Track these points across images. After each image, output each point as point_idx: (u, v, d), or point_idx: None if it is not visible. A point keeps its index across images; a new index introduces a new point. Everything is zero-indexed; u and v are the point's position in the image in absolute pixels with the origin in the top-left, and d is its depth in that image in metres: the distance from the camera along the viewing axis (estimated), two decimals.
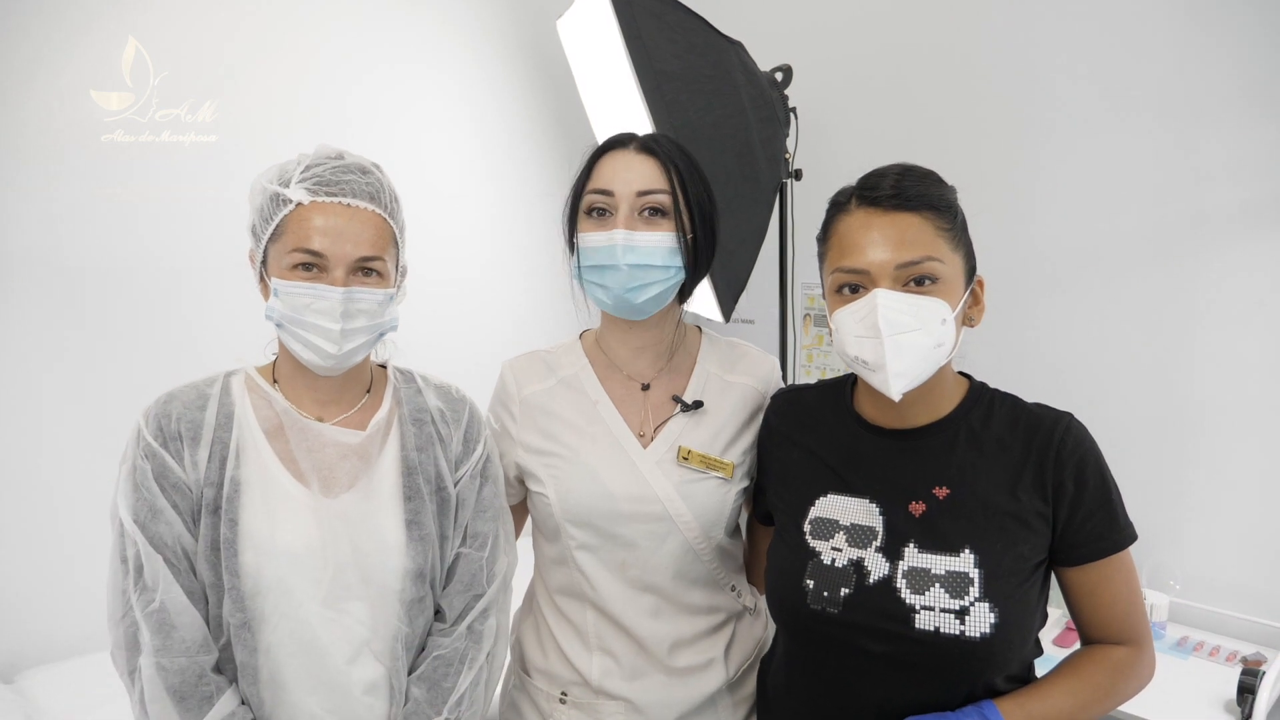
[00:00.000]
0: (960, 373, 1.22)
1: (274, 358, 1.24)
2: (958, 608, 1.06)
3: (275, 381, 1.22)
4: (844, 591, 1.11)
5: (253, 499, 1.14)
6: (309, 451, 1.18)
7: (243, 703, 1.13)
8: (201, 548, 1.13)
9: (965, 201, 1.15)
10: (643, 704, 1.31)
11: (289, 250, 1.12)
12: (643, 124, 1.94)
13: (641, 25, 1.94)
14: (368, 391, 1.27)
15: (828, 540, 1.16)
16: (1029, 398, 1.19)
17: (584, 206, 1.29)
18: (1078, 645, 1.19)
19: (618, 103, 2.02)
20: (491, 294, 3.11)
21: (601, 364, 1.38)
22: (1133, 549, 1.13)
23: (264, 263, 1.16)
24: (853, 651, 1.11)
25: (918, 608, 1.07)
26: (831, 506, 1.18)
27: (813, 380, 2.96)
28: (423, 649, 1.24)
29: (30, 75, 2.08)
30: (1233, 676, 1.87)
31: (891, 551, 1.11)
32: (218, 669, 1.13)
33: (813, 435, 1.26)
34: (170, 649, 1.08)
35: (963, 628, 1.05)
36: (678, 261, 1.26)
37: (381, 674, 1.18)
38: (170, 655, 1.08)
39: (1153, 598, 2.14)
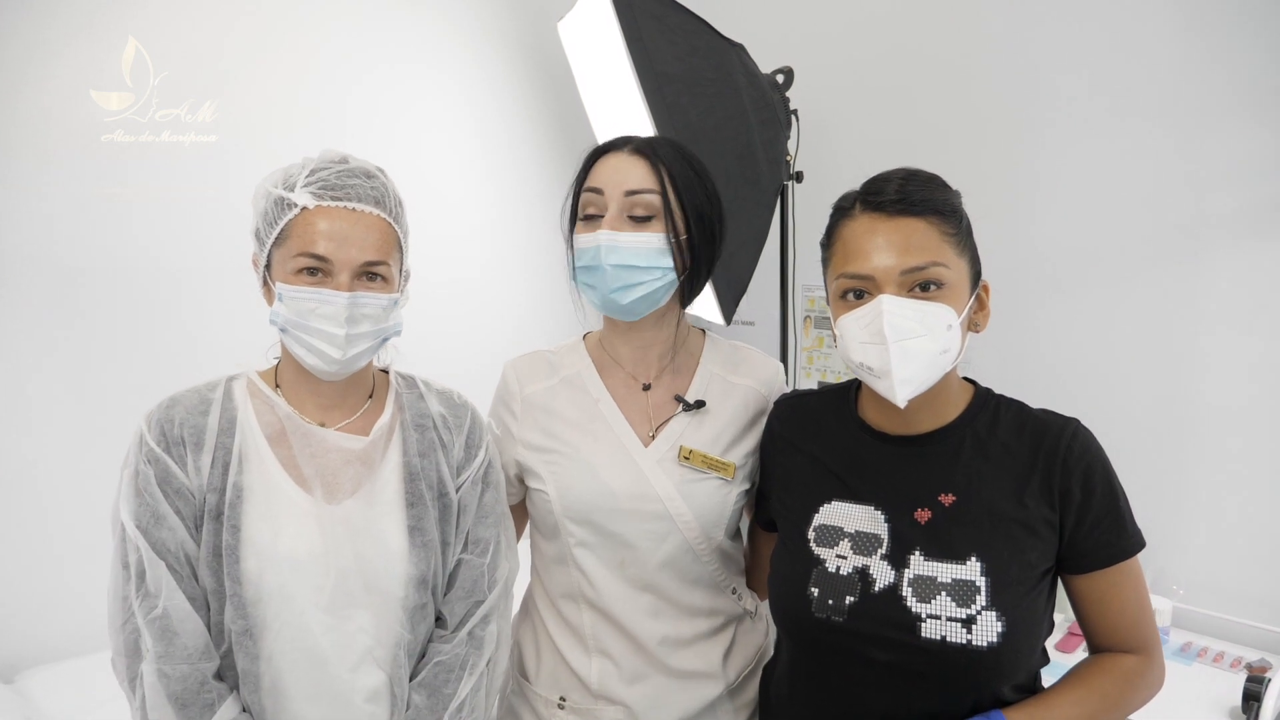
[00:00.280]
0: (965, 378, 1.22)
1: (275, 362, 1.24)
2: (964, 616, 1.05)
3: (277, 386, 1.22)
4: (849, 600, 1.11)
5: (255, 505, 1.13)
6: (312, 457, 1.17)
7: (244, 710, 1.13)
8: (204, 554, 1.12)
9: (966, 205, 1.14)
10: (642, 708, 1.31)
11: (294, 255, 1.11)
12: (644, 126, 1.94)
13: (643, 27, 1.94)
14: (370, 397, 1.26)
15: (832, 548, 1.15)
16: (1030, 402, 1.18)
17: (580, 206, 1.30)
18: (1081, 650, 1.18)
19: (619, 104, 2.02)
20: (491, 295, 3.10)
21: (604, 363, 1.38)
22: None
23: (268, 267, 1.16)
24: (858, 660, 1.11)
25: (924, 616, 1.06)
26: (836, 513, 1.18)
27: (813, 382, 2.97)
28: (423, 655, 1.24)
29: (30, 75, 2.07)
30: (1237, 683, 1.87)
31: (897, 559, 1.11)
32: (219, 676, 1.12)
33: (817, 441, 1.25)
34: (172, 656, 1.07)
35: (970, 636, 1.04)
36: (665, 263, 1.25)
37: (383, 681, 1.18)
38: (172, 662, 1.07)
39: (1156, 603, 2.13)
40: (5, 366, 2.07)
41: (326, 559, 1.14)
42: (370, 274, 1.14)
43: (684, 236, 1.26)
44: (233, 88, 2.38)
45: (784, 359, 2.39)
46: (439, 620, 1.26)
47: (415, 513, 1.21)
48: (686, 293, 1.33)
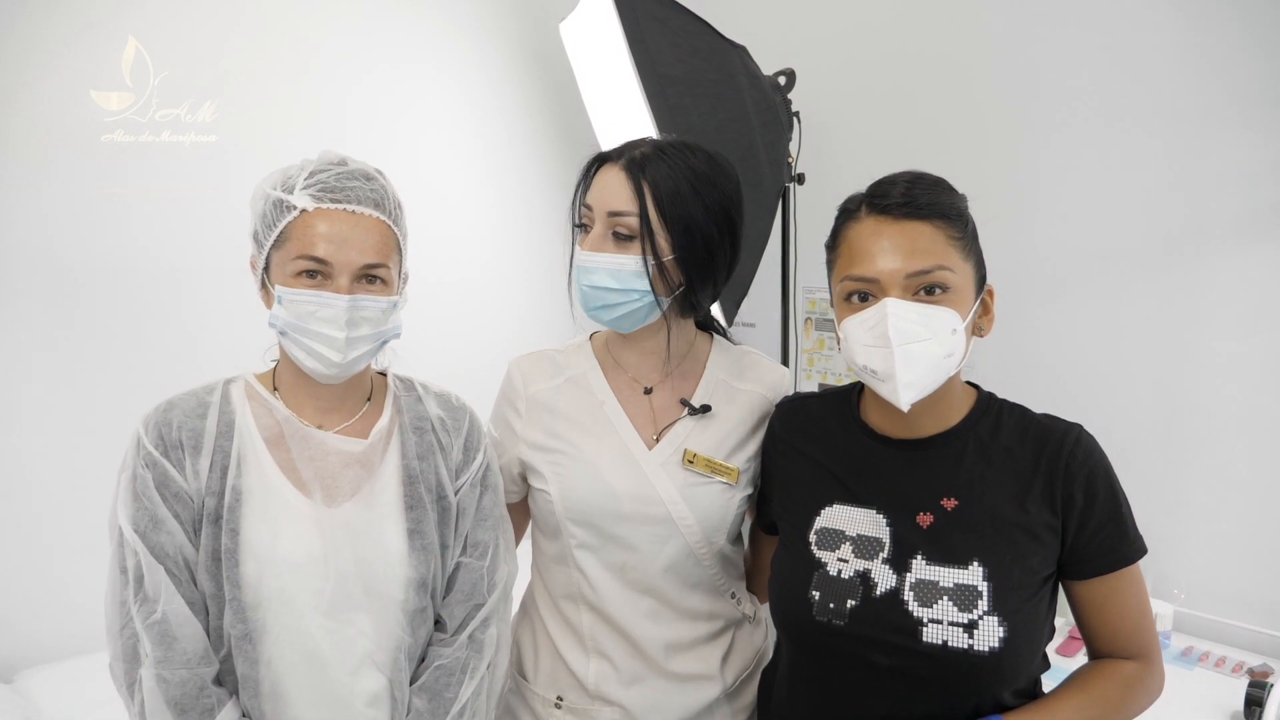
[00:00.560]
0: (968, 382, 1.21)
1: (273, 365, 1.23)
2: (966, 621, 1.05)
3: (275, 389, 1.21)
4: (850, 603, 1.10)
5: (254, 508, 1.13)
6: (311, 460, 1.17)
7: (244, 715, 1.12)
8: (202, 558, 1.12)
9: (969, 207, 1.14)
10: (638, 710, 1.31)
11: (293, 257, 1.11)
12: (646, 128, 1.93)
13: (645, 29, 1.93)
14: (368, 399, 1.26)
15: (834, 551, 1.15)
16: (1033, 406, 1.18)
17: (580, 214, 1.30)
18: (1082, 655, 1.18)
19: (620, 106, 2.01)
20: (491, 295, 3.10)
21: (609, 365, 1.37)
22: None
23: (266, 269, 1.15)
24: (858, 664, 1.10)
25: (925, 621, 1.06)
26: (838, 517, 1.17)
27: (814, 385, 2.97)
28: (423, 659, 1.23)
29: (30, 75, 2.07)
30: (1239, 688, 1.86)
31: (899, 563, 1.10)
32: (218, 681, 1.12)
33: (818, 444, 1.25)
34: (171, 660, 1.07)
35: (971, 641, 1.04)
36: (641, 286, 1.24)
37: (384, 685, 1.17)
38: (171, 667, 1.07)
39: (1157, 607, 2.13)
40: (5, 366, 2.07)
41: (326, 562, 1.13)
42: (370, 276, 1.14)
43: (668, 257, 1.24)
44: (233, 88, 2.38)
45: (785, 361, 2.39)
46: (438, 624, 1.25)
47: (414, 515, 1.20)
48: (687, 306, 1.31)
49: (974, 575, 1.07)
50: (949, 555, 1.09)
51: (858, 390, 1.26)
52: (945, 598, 1.06)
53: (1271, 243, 2.05)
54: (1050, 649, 1.18)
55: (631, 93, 1.96)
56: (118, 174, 2.20)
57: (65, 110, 2.12)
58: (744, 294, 2.12)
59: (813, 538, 1.17)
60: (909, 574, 1.09)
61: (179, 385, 1.20)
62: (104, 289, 2.19)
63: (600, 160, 1.29)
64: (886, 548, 1.12)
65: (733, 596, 1.38)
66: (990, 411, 1.17)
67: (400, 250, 1.19)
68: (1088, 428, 1.14)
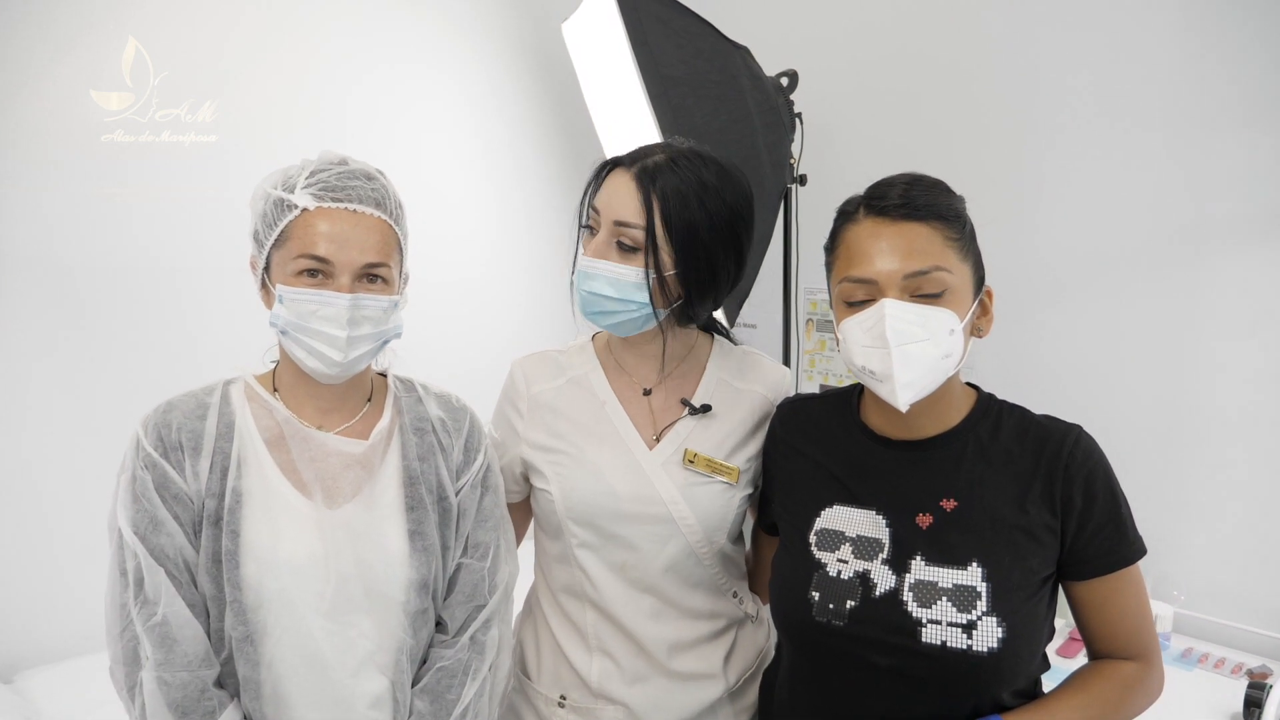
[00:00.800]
0: (967, 384, 1.21)
1: (272, 366, 1.23)
2: (965, 622, 1.05)
3: (275, 390, 1.21)
4: (850, 604, 1.10)
5: (254, 510, 1.13)
6: (311, 461, 1.17)
7: (246, 718, 1.12)
8: (203, 560, 1.11)
9: (969, 209, 1.14)
10: (641, 709, 1.31)
11: (294, 256, 1.11)
12: (648, 128, 1.93)
13: (648, 30, 1.93)
14: (368, 400, 1.26)
15: (833, 552, 1.15)
16: (1032, 407, 1.18)
17: (587, 215, 1.30)
18: (1082, 655, 1.18)
19: (622, 107, 2.01)
20: (492, 296, 3.10)
21: (611, 366, 1.38)
22: None
23: (267, 269, 1.15)
24: (858, 665, 1.10)
25: (924, 621, 1.06)
26: (837, 518, 1.17)
27: (815, 386, 2.97)
28: (424, 661, 1.23)
29: (30, 75, 2.07)
30: (1238, 689, 1.86)
31: (898, 564, 1.11)
32: (220, 683, 1.12)
33: (818, 445, 1.25)
34: (172, 663, 1.07)
35: (970, 642, 1.04)
36: (640, 298, 1.24)
37: (386, 687, 1.17)
38: (172, 669, 1.06)
39: (1157, 608, 2.12)
40: (5, 366, 2.07)
41: (327, 564, 1.13)
42: (371, 276, 1.14)
43: (670, 272, 1.24)
44: (233, 88, 2.38)
45: (786, 362, 2.39)
46: (439, 625, 1.25)
47: (415, 516, 1.20)
48: (685, 316, 1.31)
49: (973, 576, 1.07)
50: (948, 556, 1.09)
51: (858, 391, 1.26)
52: (944, 598, 1.06)
53: (1273, 244, 2.05)
54: (1050, 650, 1.18)
55: (634, 94, 1.95)
56: (118, 174, 2.20)
57: (65, 110, 2.12)
58: (746, 296, 2.12)
59: (813, 538, 1.18)
60: (908, 574, 1.09)
61: (179, 386, 1.19)
62: (104, 289, 2.19)
63: (613, 164, 1.28)
64: (886, 548, 1.12)
65: (734, 595, 1.38)
66: (990, 413, 1.17)
67: (401, 250, 1.19)
68: (1087, 429, 1.14)
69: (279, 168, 1.17)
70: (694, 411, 1.33)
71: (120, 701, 1.10)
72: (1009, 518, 1.09)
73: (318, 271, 1.11)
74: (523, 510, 1.44)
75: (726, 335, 1.46)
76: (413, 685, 1.20)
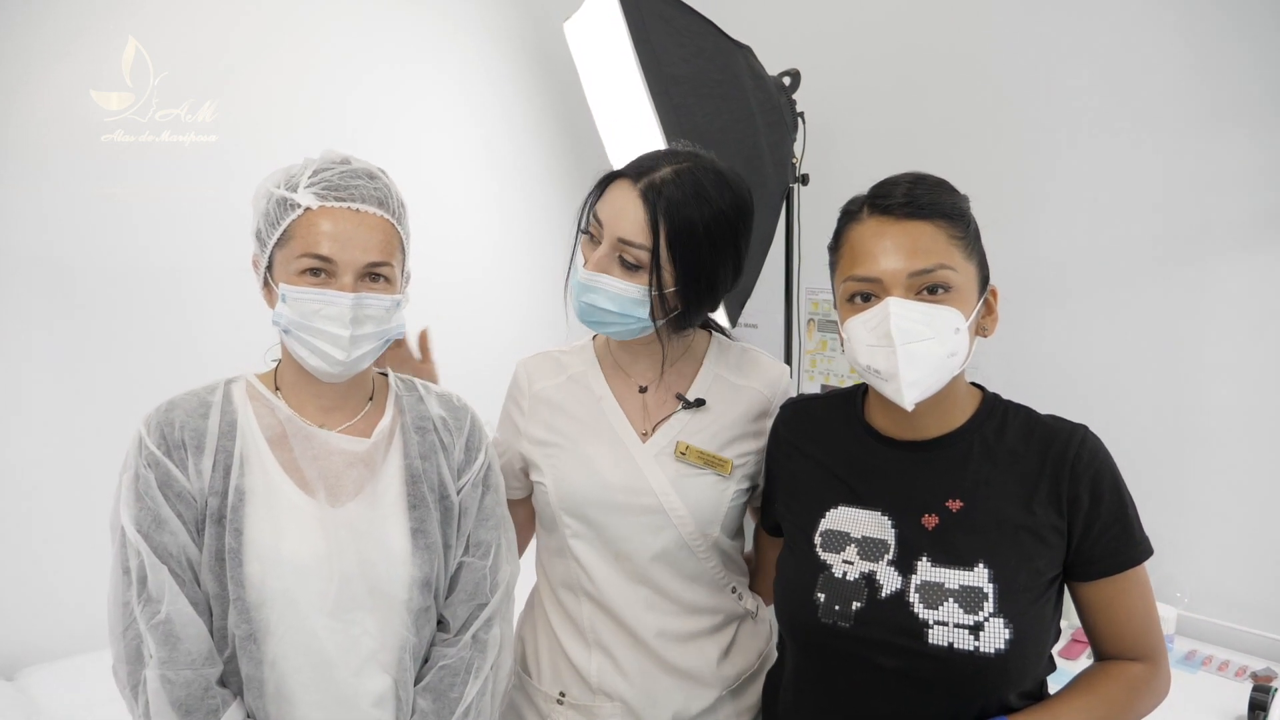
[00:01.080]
0: (972, 383, 1.21)
1: (274, 365, 1.23)
2: (972, 623, 1.04)
3: (277, 389, 1.21)
4: (855, 605, 1.10)
5: (257, 508, 1.13)
6: (314, 459, 1.17)
7: (249, 716, 1.12)
8: (206, 558, 1.11)
9: (973, 208, 1.14)
10: (639, 705, 1.32)
11: (297, 256, 1.10)
12: (650, 127, 1.93)
13: (650, 29, 1.93)
14: (370, 399, 1.26)
15: (839, 553, 1.14)
16: (1038, 407, 1.18)
17: (587, 222, 1.30)
18: (1085, 656, 1.18)
19: (624, 106, 2.01)
20: (493, 296, 3.10)
21: (609, 365, 1.39)
22: None
23: (269, 268, 1.15)
24: (864, 666, 1.10)
25: (931, 623, 1.06)
26: (842, 519, 1.17)
27: (816, 386, 2.96)
28: (426, 660, 1.23)
29: (30, 75, 2.07)
30: (1243, 692, 1.86)
31: (904, 565, 1.10)
32: (223, 682, 1.11)
33: (822, 446, 1.25)
34: (176, 661, 1.06)
35: (977, 643, 1.04)
36: (640, 313, 1.24)
37: (389, 685, 1.17)
38: (176, 668, 1.06)
39: (1161, 610, 2.10)
40: (5, 366, 2.07)
41: (330, 562, 1.13)
42: (374, 275, 1.14)
43: (671, 289, 1.24)
44: (233, 88, 2.38)
45: (787, 362, 2.38)
46: (441, 624, 1.25)
47: (418, 515, 1.20)
48: (682, 323, 1.31)
49: (979, 577, 1.06)
50: (954, 557, 1.08)
51: (862, 392, 1.26)
52: (951, 599, 1.06)
53: (1278, 246, 2.04)
54: (1054, 651, 1.18)
55: (636, 93, 1.95)
56: (118, 174, 2.20)
57: (65, 110, 2.11)
58: (747, 296, 2.12)
59: (818, 539, 1.17)
60: (914, 576, 1.09)
61: (180, 385, 1.19)
62: (104, 289, 2.18)
63: (617, 174, 1.27)
64: (891, 549, 1.12)
65: (734, 591, 1.38)
66: (995, 413, 1.17)
67: (403, 249, 1.19)
68: (1093, 429, 1.13)
69: (281, 167, 1.16)
70: (687, 405, 1.34)
71: (123, 700, 1.09)
72: (1015, 518, 1.09)
73: (321, 270, 1.11)
74: (524, 508, 1.45)
75: (724, 333, 1.46)
76: (415, 684, 1.20)
